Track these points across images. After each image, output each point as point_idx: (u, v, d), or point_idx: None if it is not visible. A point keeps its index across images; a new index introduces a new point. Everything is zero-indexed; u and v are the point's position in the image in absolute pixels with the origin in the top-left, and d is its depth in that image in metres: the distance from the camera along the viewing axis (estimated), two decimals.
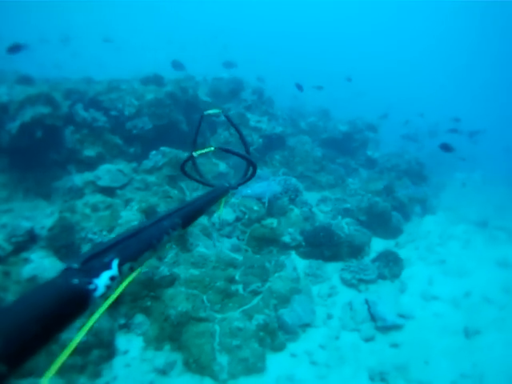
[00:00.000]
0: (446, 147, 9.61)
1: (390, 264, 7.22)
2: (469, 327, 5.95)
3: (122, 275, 0.85)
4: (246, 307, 5.37)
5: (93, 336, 5.01)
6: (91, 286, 0.75)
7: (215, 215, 7.44)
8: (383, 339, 5.74)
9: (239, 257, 6.36)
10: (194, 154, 1.98)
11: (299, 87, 11.45)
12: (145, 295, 5.64)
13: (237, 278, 5.88)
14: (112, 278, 0.81)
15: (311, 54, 39.88)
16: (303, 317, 5.66)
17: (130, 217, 6.28)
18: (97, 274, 0.78)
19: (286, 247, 7.41)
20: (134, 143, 9.06)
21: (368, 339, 5.71)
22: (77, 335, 0.77)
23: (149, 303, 5.60)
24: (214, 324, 5.13)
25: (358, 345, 5.58)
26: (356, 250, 7.61)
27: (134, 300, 5.63)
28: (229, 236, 7.13)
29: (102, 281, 0.78)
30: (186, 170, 2.20)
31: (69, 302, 0.69)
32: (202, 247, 6.34)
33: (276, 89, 13.77)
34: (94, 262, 0.80)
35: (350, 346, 5.52)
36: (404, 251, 8.51)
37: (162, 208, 6.70)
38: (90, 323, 0.80)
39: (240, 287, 5.75)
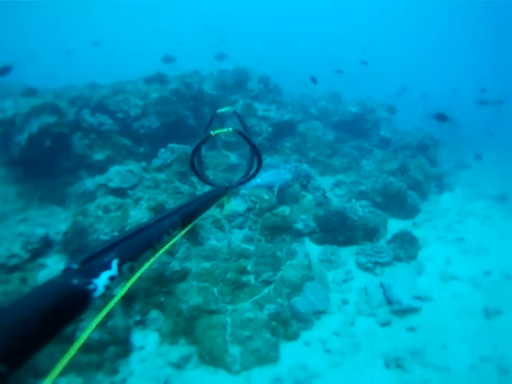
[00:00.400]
0: (441, 117, 9.29)
1: (406, 245, 7.01)
2: (489, 307, 5.70)
3: (121, 275, 0.84)
4: (256, 297, 5.33)
5: (107, 334, 5.12)
6: (91, 286, 0.74)
7: (226, 207, 7.43)
8: (400, 323, 5.58)
9: (251, 247, 6.31)
10: (212, 132, 1.94)
11: (313, 80, 11.17)
12: (158, 291, 5.69)
13: (248, 268, 5.85)
14: (111, 278, 0.80)
15: (318, 40, 38.93)
16: (316, 304, 5.58)
17: (139, 216, 6.34)
18: (96, 274, 0.77)
19: (299, 234, 7.31)
20: (143, 143, 9.13)
21: (384, 324, 5.57)
22: (81, 336, 0.74)
23: (162, 299, 5.65)
24: (226, 316, 5.12)
25: (373, 330, 5.44)
26: (371, 233, 7.42)
27: (148, 296, 5.69)
28: (241, 227, 7.09)
29: (101, 281, 0.77)
30: (194, 165, 2.19)
31: (68, 302, 0.68)
32: (213, 240, 6.34)
33: (284, 75, 13.49)
34: (94, 262, 0.79)
35: (366, 332, 5.39)
36: (421, 231, 8.29)
37: (171, 205, 6.73)
38: (94, 324, 0.79)
39: (252, 277, 5.72)
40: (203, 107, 10.12)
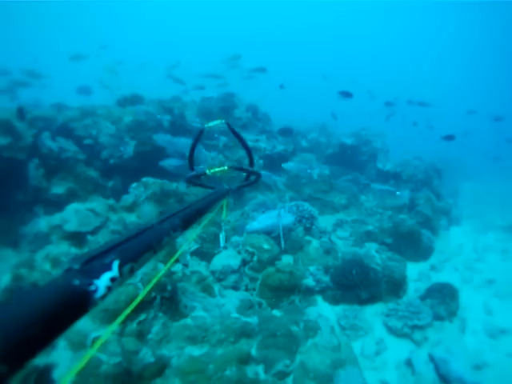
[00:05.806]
0: (346, 94, 8.96)
1: (447, 300, 5.09)
2: None
3: (122, 276, 0.70)
4: None
5: None
6: (92, 288, 0.63)
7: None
8: None
9: (253, 319, 4.18)
10: (208, 171, 1.90)
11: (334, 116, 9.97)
12: None
13: (253, 353, 3.72)
14: (112, 279, 0.67)
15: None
16: None
17: None
18: (97, 275, 0.65)
19: (310, 293, 5.28)
20: (113, 175, 6.99)
21: None
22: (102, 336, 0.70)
23: None
24: None
25: None
26: (397, 286, 5.49)
27: None
28: (235, 287, 4.98)
29: (102, 282, 0.65)
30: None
31: (69, 303, 0.57)
32: (199, 310, 4.18)
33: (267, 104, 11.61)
34: (95, 263, 0.67)
35: None
36: (443, 275, 6.62)
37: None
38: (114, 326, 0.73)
39: (260, 369, 3.58)
40: (185, 135, 8.14)
